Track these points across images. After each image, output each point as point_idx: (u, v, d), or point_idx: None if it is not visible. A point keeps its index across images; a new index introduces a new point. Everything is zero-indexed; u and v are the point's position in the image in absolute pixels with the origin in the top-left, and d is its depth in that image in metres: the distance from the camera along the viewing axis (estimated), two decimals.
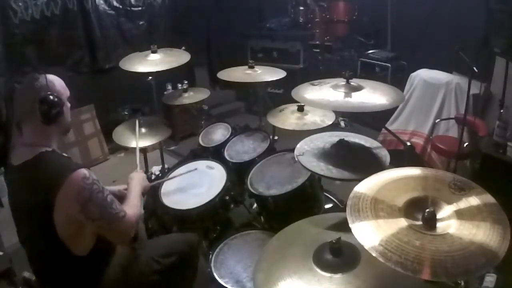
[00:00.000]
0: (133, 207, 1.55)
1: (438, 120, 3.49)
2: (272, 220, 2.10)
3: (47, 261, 1.44)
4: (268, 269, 1.25)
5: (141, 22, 4.36)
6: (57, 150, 1.46)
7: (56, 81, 1.48)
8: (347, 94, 1.73)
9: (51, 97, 1.40)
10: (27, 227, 1.43)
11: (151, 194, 2.24)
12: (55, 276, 1.46)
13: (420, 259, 0.97)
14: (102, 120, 4.02)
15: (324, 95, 1.75)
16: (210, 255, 1.85)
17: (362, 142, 1.97)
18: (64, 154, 1.49)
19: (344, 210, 1.17)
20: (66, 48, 3.82)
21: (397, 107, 3.62)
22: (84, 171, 1.36)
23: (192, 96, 2.86)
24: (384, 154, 1.85)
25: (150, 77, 2.74)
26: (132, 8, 4.26)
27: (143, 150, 2.73)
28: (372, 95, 1.73)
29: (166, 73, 2.60)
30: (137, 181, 1.74)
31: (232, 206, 2.23)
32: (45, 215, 1.32)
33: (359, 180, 1.29)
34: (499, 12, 2.74)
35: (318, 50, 4.94)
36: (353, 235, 1.07)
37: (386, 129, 2.30)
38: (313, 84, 1.88)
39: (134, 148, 2.19)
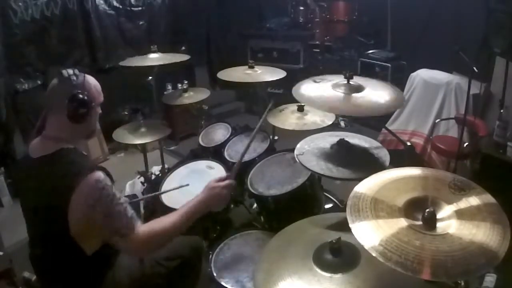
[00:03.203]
0: (159, 226, 1.41)
1: (438, 120, 3.49)
2: (272, 220, 2.10)
3: (52, 260, 1.42)
4: (268, 269, 1.25)
5: (141, 22, 4.37)
6: (78, 149, 1.44)
7: (93, 84, 1.47)
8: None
9: (82, 96, 1.39)
10: (38, 221, 1.41)
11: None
12: (57, 276, 1.45)
13: (420, 259, 0.97)
14: (102, 120, 4.00)
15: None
16: (210, 255, 1.84)
17: (362, 142, 1.97)
18: (84, 153, 1.47)
19: (344, 210, 1.16)
20: (66, 48, 3.82)
21: None
22: (100, 174, 1.33)
23: (192, 96, 2.86)
24: (384, 154, 1.85)
25: (150, 77, 2.74)
26: (132, 8, 4.27)
27: (143, 150, 2.73)
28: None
29: (166, 73, 2.61)
30: (207, 199, 1.56)
31: (232, 206, 2.23)
32: (59, 211, 1.30)
33: (359, 180, 1.29)
34: (499, 12, 2.73)
35: (318, 50, 4.94)
36: (353, 235, 1.07)
37: (386, 129, 2.30)
38: (315, 81, 1.87)
39: (134, 148, 2.17)
